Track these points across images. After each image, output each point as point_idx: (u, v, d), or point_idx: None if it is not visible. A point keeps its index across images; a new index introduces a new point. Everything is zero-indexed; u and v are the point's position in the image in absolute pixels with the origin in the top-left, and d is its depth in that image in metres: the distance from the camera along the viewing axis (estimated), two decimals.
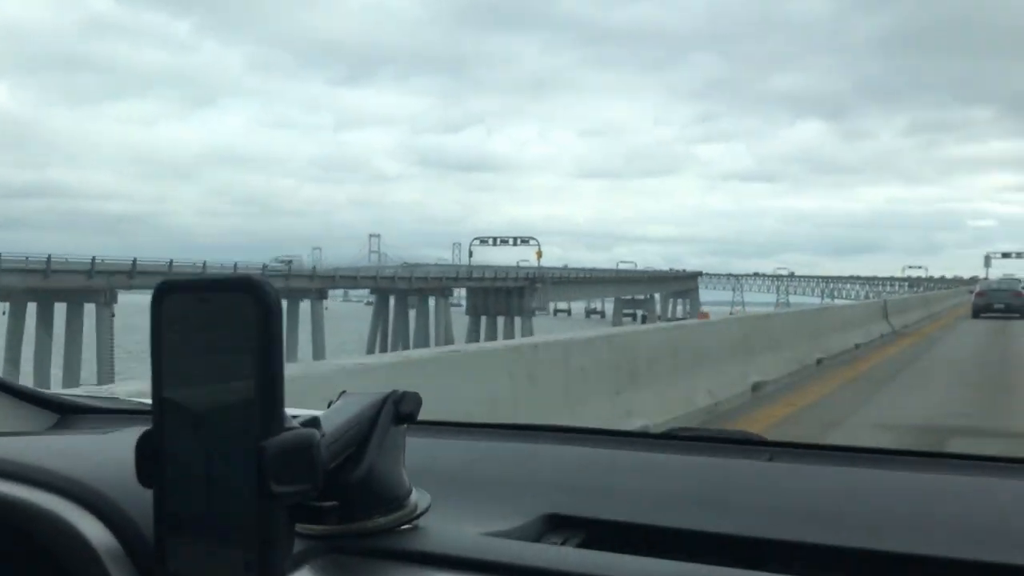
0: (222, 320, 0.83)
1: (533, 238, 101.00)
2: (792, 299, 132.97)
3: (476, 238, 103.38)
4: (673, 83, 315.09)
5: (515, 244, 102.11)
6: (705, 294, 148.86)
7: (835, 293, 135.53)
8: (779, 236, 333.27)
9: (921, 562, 0.92)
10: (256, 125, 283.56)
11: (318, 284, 69.01)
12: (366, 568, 1.00)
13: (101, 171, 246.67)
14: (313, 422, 0.90)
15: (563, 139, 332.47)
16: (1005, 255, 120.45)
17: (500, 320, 79.67)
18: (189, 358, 0.86)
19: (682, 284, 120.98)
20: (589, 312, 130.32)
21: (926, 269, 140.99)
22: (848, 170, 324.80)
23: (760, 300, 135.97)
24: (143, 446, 0.87)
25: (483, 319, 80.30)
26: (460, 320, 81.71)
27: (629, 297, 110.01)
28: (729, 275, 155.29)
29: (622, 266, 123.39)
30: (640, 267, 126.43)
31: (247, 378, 0.82)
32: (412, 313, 76.67)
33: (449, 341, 65.40)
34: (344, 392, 1.07)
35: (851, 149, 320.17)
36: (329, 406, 1.03)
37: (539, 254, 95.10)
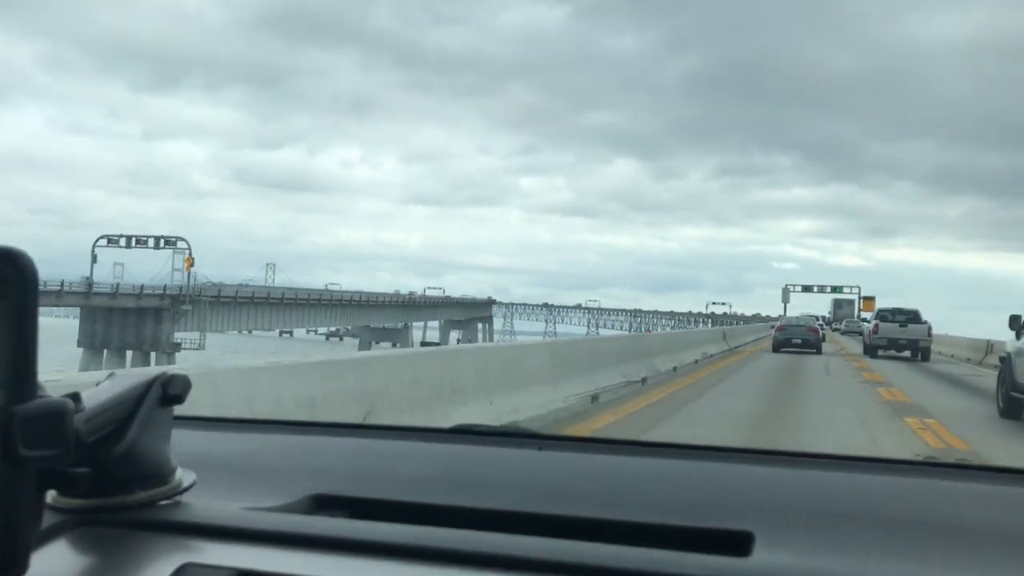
0: None
1: (182, 239, 77.87)
2: (602, 331, 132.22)
3: (103, 236, 76.99)
4: (492, 111, 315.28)
5: (157, 247, 77.39)
6: (520, 324, 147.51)
7: (643, 327, 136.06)
8: (599, 271, 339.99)
9: (641, 528, 1.12)
10: (54, 129, 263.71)
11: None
12: (122, 539, 1.03)
13: None
14: (73, 396, 0.92)
15: (388, 163, 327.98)
16: (806, 288, 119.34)
17: (129, 355, 59.57)
18: None
19: (470, 312, 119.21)
20: (329, 334, 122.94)
21: (730, 306, 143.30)
22: (663, 209, 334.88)
23: (569, 330, 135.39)
24: None
25: (105, 353, 60.19)
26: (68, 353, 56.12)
27: (380, 326, 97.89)
28: (540, 304, 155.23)
29: (429, 292, 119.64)
30: (459, 294, 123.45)
31: (1, 346, 0.82)
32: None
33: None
34: (112, 374, 1.10)
35: (665, 189, 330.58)
36: (97, 386, 1.06)
37: (190, 262, 70.59)
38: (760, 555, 1.03)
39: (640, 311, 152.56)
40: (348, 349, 78.65)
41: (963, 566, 1.02)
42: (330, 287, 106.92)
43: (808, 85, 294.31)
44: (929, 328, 33.99)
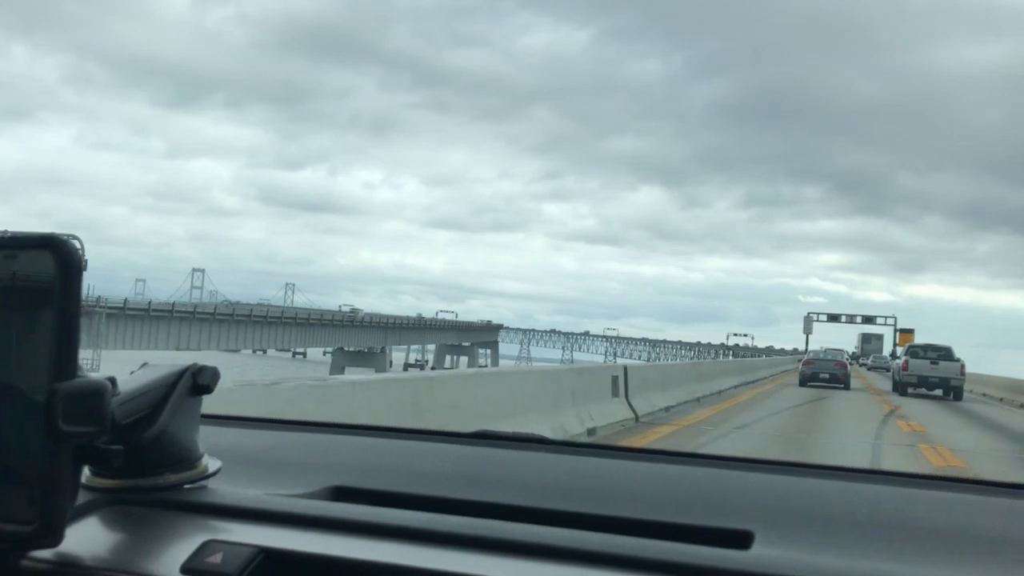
0: (26, 275, 0.91)
1: (75, 236, 56.76)
2: (620, 360, 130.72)
3: None
4: (514, 135, 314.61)
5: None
6: (536, 351, 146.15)
7: (660, 356, 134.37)
8: (624, 299, 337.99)
9: (645, 523, 1.20)
10: (79, 145, 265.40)
11: None
12: (151, 517, 1.11)
13: None
14: (110, 380, 0.99)
15: (409, 185, 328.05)
16: (832, 318, 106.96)
17: None
18: None
19: (478, 336, 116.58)
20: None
21: (752, 338, 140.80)
22: (688, 238, 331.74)
23: (587, 358, 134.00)
24: None
25: None
26: None
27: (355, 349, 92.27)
28: (548, 330, 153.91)
29: (441, 315, 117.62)
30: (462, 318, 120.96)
31: (46, 328, 0.89)
32: None
33: None
34: (146, 363, 1.18)
35: (690, 218, 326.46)
36: (131, 374, 1.14)
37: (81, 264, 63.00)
38: (759, 549, 1.09)
39: (653, 340, 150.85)
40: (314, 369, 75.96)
41: (953, 568, 1.09)
42: (342, 308, 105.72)
43: (836, 114, 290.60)
44: (962, 366, 32.37)
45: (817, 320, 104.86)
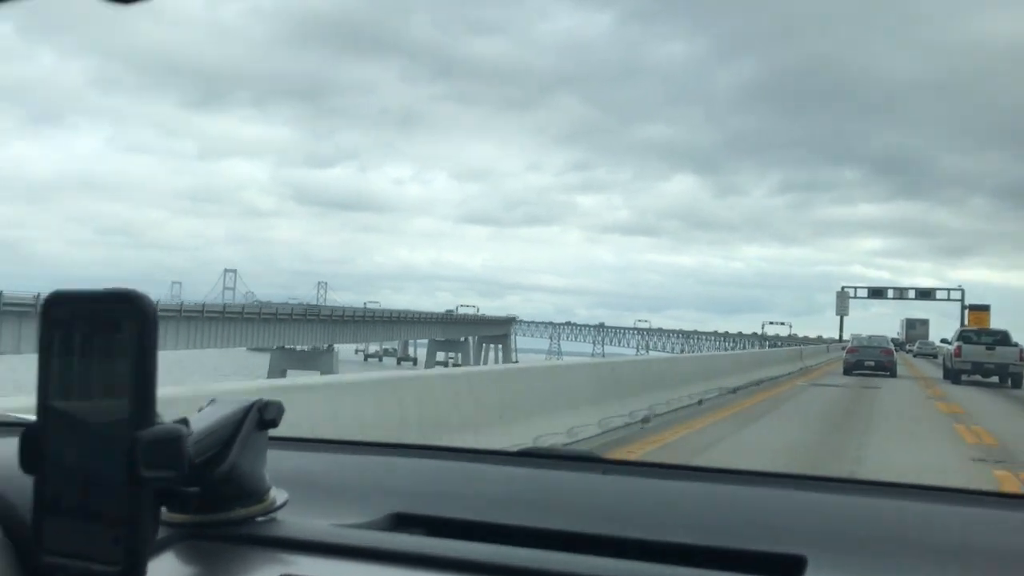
0: (105, 327, 0.96)
1: None
2: (652, 352, 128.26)
3: None
4: (541, 126, 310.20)
5: None
6: (567, 345, 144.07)
7: (694, 348, 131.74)
8: (664, 291, 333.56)
9: (696, 550, 1.20)
10: (112, 149, 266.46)
11: None
12: (225, 552, 1.17)
13: None
14: (182, 421, 1.05)
15: (438, 181, 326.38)
16: (876, 293, 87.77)
17: None
18: (73, 360, 0.97)
19: (494, 328, 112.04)
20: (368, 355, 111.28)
21: (790, 326, 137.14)
22: (726, 227, 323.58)
23: (619, 352, 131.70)
24: (27, 436, 0.99)
25: None
26: None
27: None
28: (559, 323, 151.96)
29: (464, 310, 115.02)
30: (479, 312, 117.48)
31: (125, 379, 0.95)
32: None
33: None
34: (213, 400, 1.22)
35: (727, 206, 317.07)
36: (200, 411, 1.19)
37: None
38: None
39: (687, 332, 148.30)
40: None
41: None
42: (369, 305, 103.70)
43: (872, 92, 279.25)
44: (1021, 351, 29.92)
45: (855, 296, 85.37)
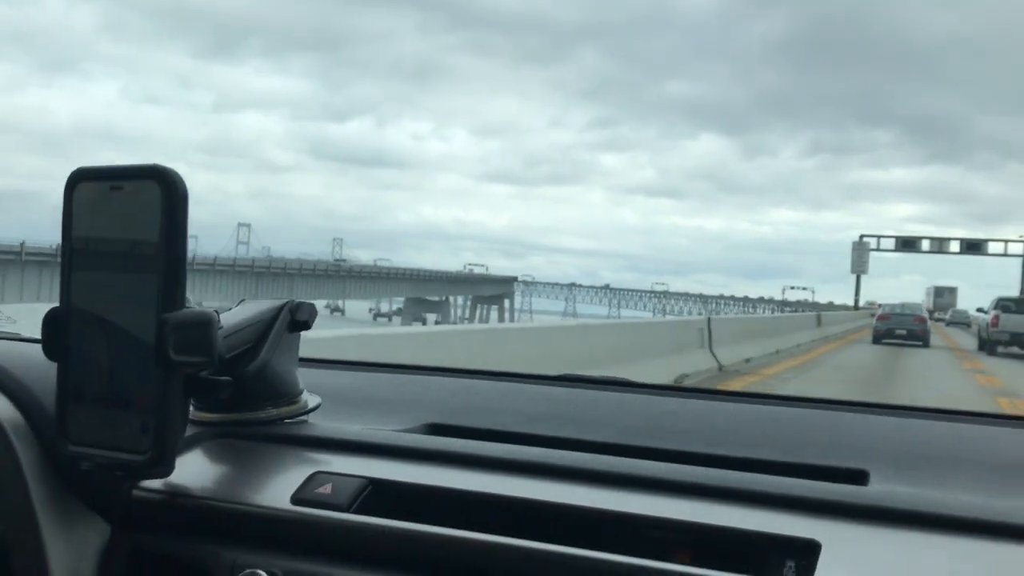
0: (132, 206, 0.91)
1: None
2: (668, 317, 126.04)
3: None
4: (563, 80, 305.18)
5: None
6: (582, 307, 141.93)
7: (712, 311, 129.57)
8: (690, 255, 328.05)
9: (754, 462, 1.17)
10: (127, 100, 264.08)
11: None
12: (256, 450, 1.15)
13: None
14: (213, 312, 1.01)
15: (459, 137, 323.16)
16: (907, 243, 66.99)
17: None
18: (98, 241, 0.93)
19: (494, 288, 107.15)
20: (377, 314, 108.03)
21: (813, 292, 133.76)
22: (754, 190, 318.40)
23: (634, 314, 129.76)
24: (51, 319, 0.95)
25: None
26: None
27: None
28: (563, 284, 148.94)
29: (476, 270, 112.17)
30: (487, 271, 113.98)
31: (153, 259, 0.90)
32: None
33: None
34: (243, 299, 1.20)
35: (755, 167, 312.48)
36: (230, 310, 1.16)
37: None
38: (877, 485, 1.11)
39: (707, 296, 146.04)
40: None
41: None
42: (379, 262, 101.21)
43: (906, 50, 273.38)
44: None
45: (877, 249, 64.98)
